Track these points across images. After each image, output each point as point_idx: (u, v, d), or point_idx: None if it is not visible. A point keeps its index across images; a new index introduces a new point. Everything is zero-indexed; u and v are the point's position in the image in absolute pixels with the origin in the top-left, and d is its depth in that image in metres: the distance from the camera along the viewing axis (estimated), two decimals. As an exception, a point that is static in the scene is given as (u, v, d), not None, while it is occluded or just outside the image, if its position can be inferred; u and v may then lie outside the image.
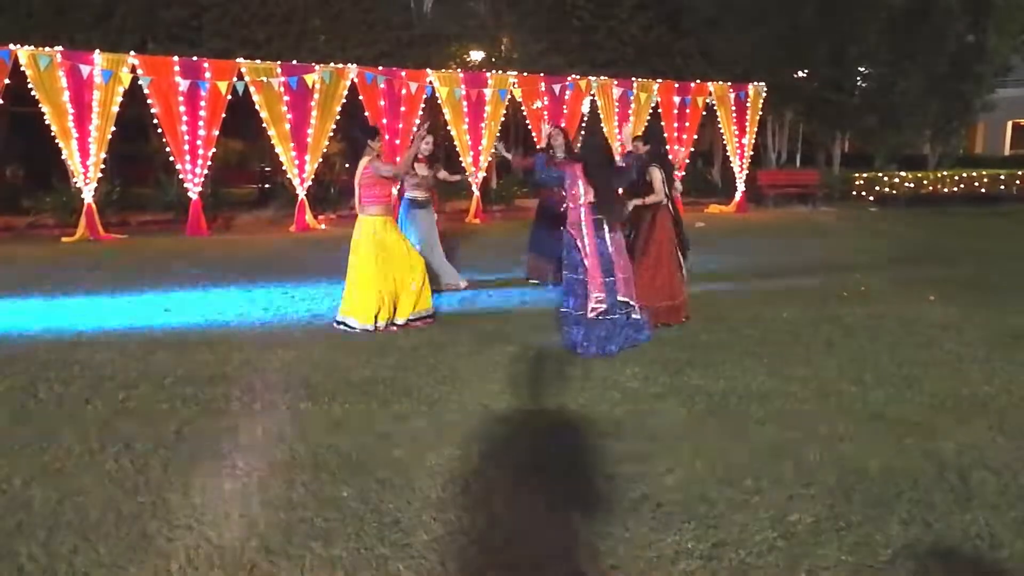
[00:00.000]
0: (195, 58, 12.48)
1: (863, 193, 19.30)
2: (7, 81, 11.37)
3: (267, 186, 18.63)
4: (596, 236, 5.44)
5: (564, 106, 15.38)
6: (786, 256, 10.55)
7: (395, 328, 6.11)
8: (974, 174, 20.03)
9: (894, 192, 19.24)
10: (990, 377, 4.98)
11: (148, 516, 3.08)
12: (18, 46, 11.34)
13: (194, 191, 12.80)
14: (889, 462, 3.67)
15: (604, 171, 5.54)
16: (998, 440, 3.97)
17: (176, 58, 12.31)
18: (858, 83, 20.06)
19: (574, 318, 5.51)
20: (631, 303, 5.57)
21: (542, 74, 15.34)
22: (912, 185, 19.40)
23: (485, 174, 15.92)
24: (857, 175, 19.66)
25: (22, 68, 11.37)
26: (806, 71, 19.53)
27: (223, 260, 9.90)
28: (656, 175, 6.25)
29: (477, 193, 15.12)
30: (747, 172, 17.48)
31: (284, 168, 13.61)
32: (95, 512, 3.11)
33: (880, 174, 19.70)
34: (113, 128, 12.13)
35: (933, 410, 4.38)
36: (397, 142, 13.85)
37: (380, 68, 13.92)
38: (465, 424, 4.09)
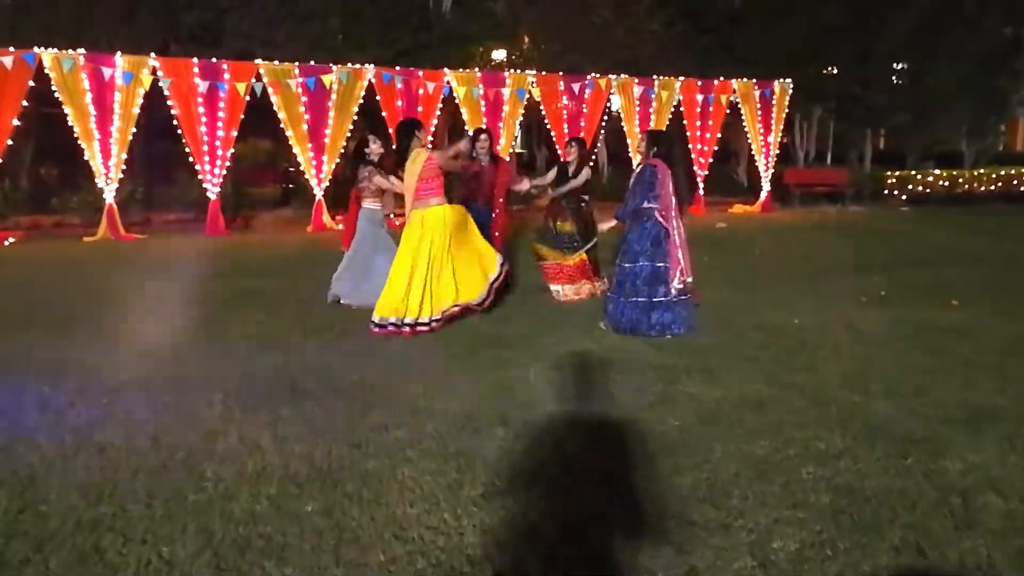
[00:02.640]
0: (214, 60, 12.56)
1: (895, 192, 18.80)
2: (31, 83, 11.57)
3: (290, 185, 18.76)
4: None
5: (584, 105, 15.20)
6: (807, 258, 10.27)
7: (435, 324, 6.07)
8: (1012, 172, 19.38)
9: (927, 191, 18.70)
10: (1003, 387, 4.73)
11: (105, 527, 3.02)
12: (42, 49, 11.52)
13: (213, 191, 12.90)
14: (887, 482, 3.47)
15: (680, 162, 6.38)
16: (1009, 459, 3.74)
17: (196, 60, 12.40)
18: (889, 79, 19.55)
19: (665, 304, 5.96)
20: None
21: (561, 73, 15.17)
22: (947, 184, 18.85)
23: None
24: (889, 173, 19.15)
25: (46, 71, 11.55)
26: (834, 68, 19.09)
27: (231, 260, 9.93)
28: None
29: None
30: (773, 171, 17.13)
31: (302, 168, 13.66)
32: (55, 522, 3.05)
33: (913, 172, 19.17)
34: (134, 130, 12.29)
35: (940, 423, 4.16)
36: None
37: (397, 68, 13.88)
38: (445, 435, 3.97)
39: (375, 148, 6.92)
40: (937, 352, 5.49)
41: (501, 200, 7.46)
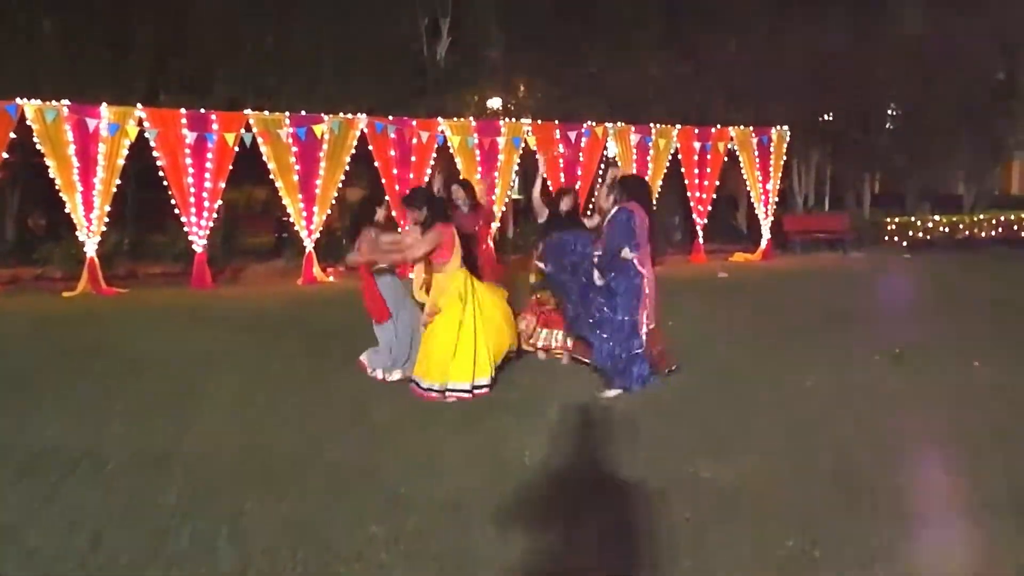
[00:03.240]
0: (203, 110, 12.32)
1: (896, 238, 18.50)
2: (13, 135, 11.29)
3: (284, 235, 18.43)
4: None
5: (580, 153, 14.96)
6: (813, 309, 9.86)
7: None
8: (1012, 217, 19.13)
9: (928, 237, 18.41)
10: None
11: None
12: (25, 100, 11.27)
13: (199, 244, 12.53)
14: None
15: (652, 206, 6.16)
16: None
17: (183, 111, 12.16)
18: (886, 123, 19.48)
19: (641, 356, 5.81)
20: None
21: (557, 121, 14.98)
22: (947, 229, 18.56)
23: (499, 224, 15.50)
24: (889, 219, 18.89)
25: (28, 122, 11.28)
26: (831, 113, 19.02)
27: (212, 316, 9.51)
28: None
29: (491, 243, 14.66)
30: (772, 218, 16.87)
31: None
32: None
33: (913, 218, 18.91)
34: (118, 181, 11.98)
35: (987, 512, 3.69)
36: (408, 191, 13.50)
37: (391, 117, 13.66)
38: (427, 533, 3.50)
39: (383, 214, 6.47)
40: (968, 421, 5.05)
41: (485, 246, 7.20)
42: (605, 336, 5.76)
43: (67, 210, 11.84)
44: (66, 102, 11.49)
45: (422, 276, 6.01)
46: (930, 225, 18.58)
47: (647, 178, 15.40)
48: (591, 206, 7.16)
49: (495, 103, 18.66)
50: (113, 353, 7.30)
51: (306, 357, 6.97)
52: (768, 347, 7.42)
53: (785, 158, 17.09)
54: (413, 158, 13.65)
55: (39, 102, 11.31)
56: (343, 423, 5.12)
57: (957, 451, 4.52)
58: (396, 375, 6.18)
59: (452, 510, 3.73)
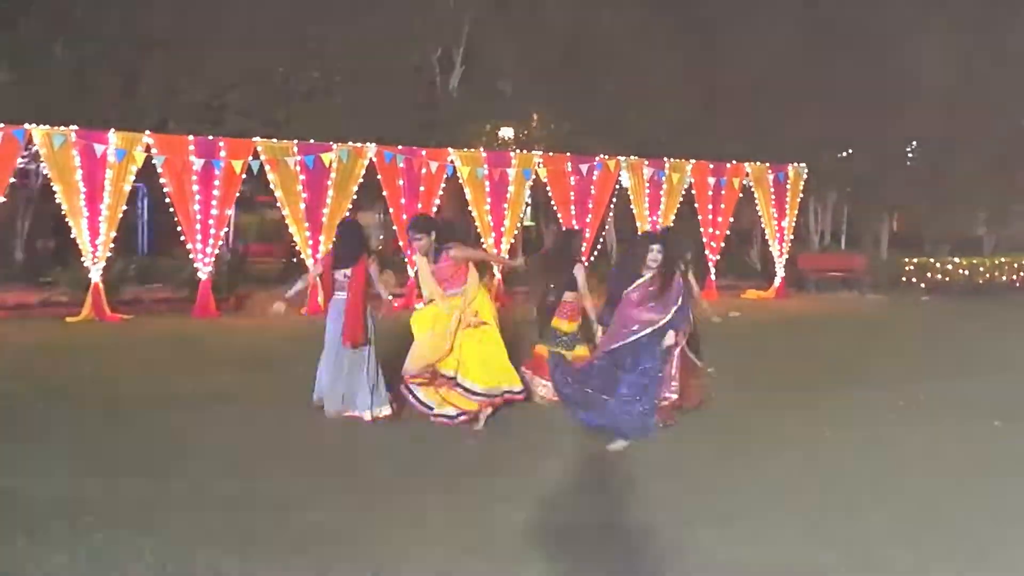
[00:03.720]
0: (211, 137, 12.26)
1: (913, 280, 18.14)
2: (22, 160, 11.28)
3: (294, 260, 18.30)
4: None
5: (592, 187, 14.77)
6: (829, 354, 9.54)
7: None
8: (1033, 261, 18.72)
9: (947, 279, 18.00)
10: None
11: None
12: (33, 125, 11.24)
13: (204, 271, 12.39)
14: None
15: None
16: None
17: (191, 137, 12.10)
18: (907, 164, 19.20)
19: (655, 408, 5.64)
20: None
21: (568, 154, 14.83)
22: (967, 272, 18.14)
23: (508, 256, 15.30)
24: (907, 260, 18.54)
25: (36, 147, 11.24)
26: (850, 151, 18.78)
27: (211, 349, 9.31)
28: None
29: (499, 276, 14.45)
30: (787, 256, 16.58)
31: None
32: None
33: (932, 260, 18.53)
34: (124, 207, 11.92)
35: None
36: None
37: (400, 147, 13.55)
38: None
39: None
40: (995, 495, 4.71)
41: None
42: (625, 392, 5.49)
43: (73, 235, 11.77)
44: (75, 127, 11.46)
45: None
46: (949, 267, 18.19)
47: (659, 215, 15.23)
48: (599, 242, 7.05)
49: (507, 132, 18.59)
50: (108, 389, 7.11)
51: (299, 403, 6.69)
52: (783, 396, 7.10)
53: (802, 196, 16.85)
54: (422, 188, 13.53)
55: (47, 128, 11.29)
56: (332, 478, 4.85)
57: (981, 529, 4.19)
58: (386, 410, 6.04)
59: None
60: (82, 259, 11.91)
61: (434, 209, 13.52)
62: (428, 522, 4.19)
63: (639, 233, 11.83)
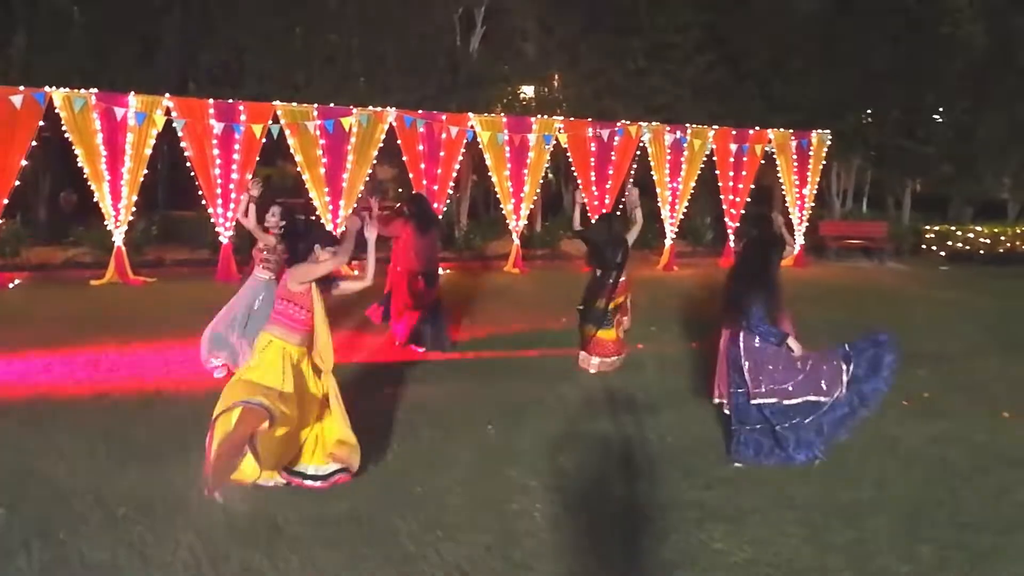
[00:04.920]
0: (231, 100, 12.24)
1: (934, 247, 17.98)
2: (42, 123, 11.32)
3: (312, 217, 18.38)
4: None
5: (612, 152, 14.66)
6: (843, 333, 9.52)
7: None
8: (1058, 230, 18.46)
9: (968, 248, 17.82)
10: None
11: None
12: (53, 88, 11.26)
13: (225, 235, 12.52)
14: None
15: None
16: None
17: (211, 100, 12.10)
18: (934, 128, 18.82)
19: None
20: None
21: (590, 119, 14.68)
22: (988, 241, 17.93)
23: (527, 222, 15.30)
24: (928, 227, 18.34)
25: (57, 110, 11.28)
26: (874, 116, 18.42)
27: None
28: None
29: (517, 241, 14.48)
30: (808, 223, 16.46)
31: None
32: None
33: (953, 228, 18.32)
34: (146, 171, 12.00)
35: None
36: (435, 188, 13.37)
37: (420, 111, 13.47)
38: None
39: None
40: (1000, 497, 4.79)
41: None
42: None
43: (96, 199, 11.90)
44: (94, 90, 11.48)
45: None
46: (971, 236, 17.98)
47: (679, 181, 15.10)
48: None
49: (528, 91, 18.36)
50: (131, 359, 7.30)
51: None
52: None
53: (824, 163, 16.64)
54: (442, 153, 13.49)
55: (67, 90, 11.31)
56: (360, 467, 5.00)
57: (982, 537, 4.28)
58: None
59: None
60: (105, 222, 12.06)
61: (453, 174, 13.53)
62: (450, 514, 4.32)
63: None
